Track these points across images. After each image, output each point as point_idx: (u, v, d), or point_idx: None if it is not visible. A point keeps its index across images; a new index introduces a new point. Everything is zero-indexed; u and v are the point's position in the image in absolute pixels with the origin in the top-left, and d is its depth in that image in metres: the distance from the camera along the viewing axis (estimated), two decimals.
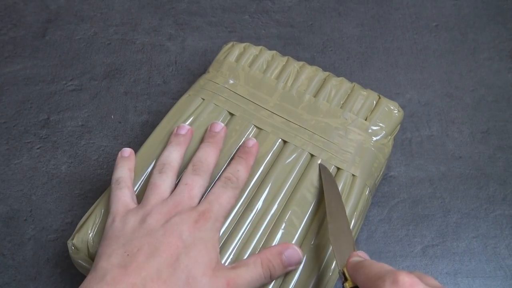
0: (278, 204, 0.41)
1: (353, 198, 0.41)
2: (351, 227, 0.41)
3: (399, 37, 0.61)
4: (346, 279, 0.33)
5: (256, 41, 0.59)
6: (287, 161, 0.43)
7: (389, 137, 0.46)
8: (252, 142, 0.43)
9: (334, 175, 0.42)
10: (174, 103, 0.48)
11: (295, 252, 0.38)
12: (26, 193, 0.48)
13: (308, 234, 0.40)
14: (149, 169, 0.42)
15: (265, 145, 0.44)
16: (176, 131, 0.44)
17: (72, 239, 0.40)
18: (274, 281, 0.37)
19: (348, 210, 0.41)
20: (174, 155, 0.42)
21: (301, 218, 0.40)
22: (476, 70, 0.58)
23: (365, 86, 0.49)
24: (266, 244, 0.39)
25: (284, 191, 0.41)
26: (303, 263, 0.38)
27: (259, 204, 0.41)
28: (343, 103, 0.47)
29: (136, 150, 0.44)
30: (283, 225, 0.40)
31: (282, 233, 0.39)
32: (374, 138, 0.45)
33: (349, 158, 0.43)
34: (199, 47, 0.59)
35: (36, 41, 0.59)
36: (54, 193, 0.48)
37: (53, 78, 0.56)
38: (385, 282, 0.28)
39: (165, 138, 0.44)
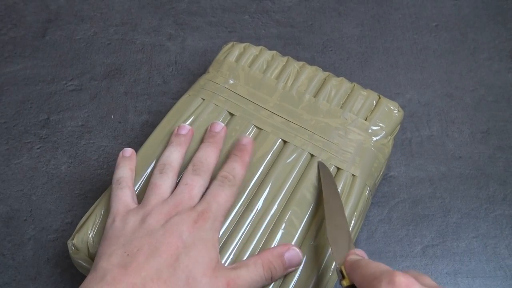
0: (278, 204, 0.41)
1: (353, 198, 0.41)
2: (351, 227, 0.41)
3: (399, 37, 0.61)
4: (343, 277, 0.33)
5: (256, 41, 0.59)
6: (287, 161, 0.43)
7: (389, 137, 0.46)
8: (246, 139, 0.42)
9: (334, 175, 0.42)
10: (174, 103, 0.48)
11: (295, 253, 0.38)
12: (26, 193, 0.48)
13: (308, 234, 0.40)
14: (149, 169, 0.42)
15: (265, 145, 0.44)
16: (177, 131, 0.44)
17: (72, 239, 0.40)
18: (273, 282, 0.37)
19: (348, 210, 0.41)
20: (174, 155, 0.42)
21: (301, 218, 0.40)
22: (476, 70, 0.58)
23: (365, 86, 0.49)
24: (266, 244, 0.39)
25: (284, 191, 0.41)
26: (303, 263, 0.38)
27: (259, 204, 0.41)
28: (343, 103, 0.47)
29: (136, 150, 0.44)
30: (283, 225, 0.40)
31: (282, 233, 0.39)
32: (374, 138, 0.45)
33: (349, 158, 0.43)
34: (199, 47, 0.59)
35: (36, 41, 0.59)
36: (54, 193, 0.48)
37: (53, 78, 0.56)
38: (382, 283, 0.28)
39: (165, 138, 0.44)
